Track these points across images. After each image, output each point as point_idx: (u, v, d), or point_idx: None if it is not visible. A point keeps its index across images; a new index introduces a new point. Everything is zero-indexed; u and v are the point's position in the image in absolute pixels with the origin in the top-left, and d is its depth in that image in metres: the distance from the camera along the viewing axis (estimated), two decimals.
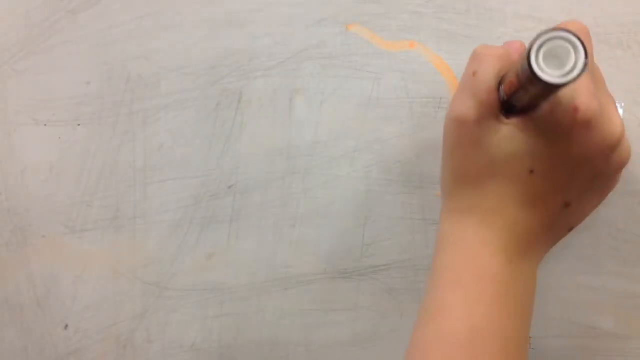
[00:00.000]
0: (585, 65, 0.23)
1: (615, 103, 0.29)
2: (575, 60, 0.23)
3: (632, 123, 0.36)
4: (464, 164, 0.29)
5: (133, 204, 0.39)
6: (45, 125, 0.40)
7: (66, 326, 0.40)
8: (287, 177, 0.39)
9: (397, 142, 0.38)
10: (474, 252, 0.28)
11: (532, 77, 0.23)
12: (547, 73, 0.23)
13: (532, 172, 0.27)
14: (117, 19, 0.39)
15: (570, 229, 0.31)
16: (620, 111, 0.36)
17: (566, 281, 0.37)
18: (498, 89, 0.28)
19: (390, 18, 0.38)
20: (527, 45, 0.23)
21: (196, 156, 0.39)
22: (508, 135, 0.28)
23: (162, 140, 0.39)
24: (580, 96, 0.26)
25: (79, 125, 0.40)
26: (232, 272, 0.39)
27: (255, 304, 0.39)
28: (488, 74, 0.28)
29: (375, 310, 0.38)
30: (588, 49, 0.23)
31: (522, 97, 0.26)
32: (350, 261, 0.38)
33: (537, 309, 0.38)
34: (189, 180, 0.39)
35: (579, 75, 0.23)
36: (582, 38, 0.23)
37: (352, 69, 0.38)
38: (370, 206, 0.38)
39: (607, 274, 0.37)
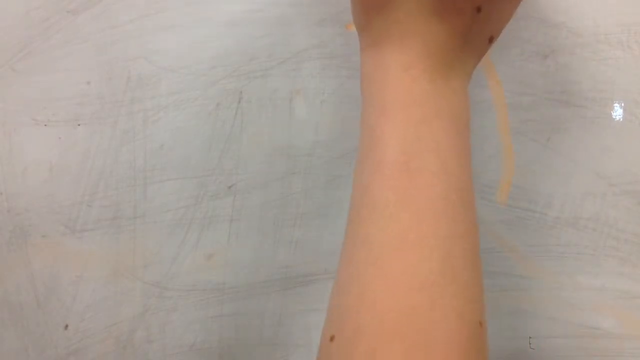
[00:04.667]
0: None
1: None
2: None
3: (632, 123, 0.36)
4: None
5: (133, 204, 0.39)
6: (45, 125, 0.40)
7: (66, 326, 0.40)
8: (287, 177, 0.39)
9: None
10: (395, 80, 0.28)
11: None
12: None
13: None
14: (117, 19, 0.39)
15: (491, 40, 0.30)
16: (620, 111, 0.36)
17: (566, 281, 0.37)
18: None
19: None
20: None
21: (196, 156, 0.39)
22: None
23: (162, 140, 0.39)
24: None
25: (79, 125, 0.40)
26: (232, 272, 0.39)
27: (255, 304, 0.39)
28: None
29: None
30: None
31: None
32: None
33: (537, 309, 0.38)
34: (189, 180, 0.39)
35: None
36: None
37: (352, 69, 0.38)
38: None
39: (607, 274, 0.36)
